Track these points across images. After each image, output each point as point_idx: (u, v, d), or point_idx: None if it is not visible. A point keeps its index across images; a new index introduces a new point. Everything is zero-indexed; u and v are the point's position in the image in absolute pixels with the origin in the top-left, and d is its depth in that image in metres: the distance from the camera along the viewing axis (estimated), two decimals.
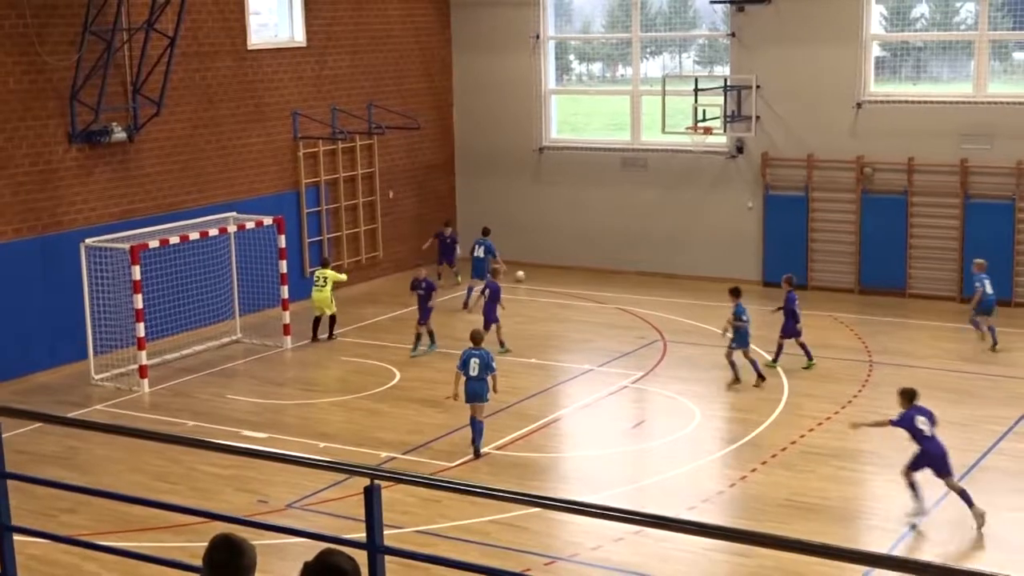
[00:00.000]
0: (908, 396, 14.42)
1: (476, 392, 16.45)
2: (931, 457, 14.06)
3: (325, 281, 21.96)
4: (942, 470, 14.06)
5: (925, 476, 14.26)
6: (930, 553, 13.36)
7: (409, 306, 24.58)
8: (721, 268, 26.10)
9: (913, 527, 14.01)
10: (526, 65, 27.82)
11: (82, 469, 16.15)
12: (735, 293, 19.58)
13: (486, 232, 24.90)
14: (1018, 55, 25.62)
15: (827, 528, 13.93)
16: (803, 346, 20.00)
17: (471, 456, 16.31)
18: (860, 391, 18.85)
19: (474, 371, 16.42)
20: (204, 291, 22.10)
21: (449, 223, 26.76)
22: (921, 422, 14.14)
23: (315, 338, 22.12)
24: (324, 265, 22.51)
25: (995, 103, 23.71)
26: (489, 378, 16.45)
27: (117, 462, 16.36)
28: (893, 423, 14.31)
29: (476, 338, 17.01)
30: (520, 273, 25.03)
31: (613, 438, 17.55)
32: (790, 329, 19.99)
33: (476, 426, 16.40)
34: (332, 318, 22.29)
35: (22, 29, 19.76)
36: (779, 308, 20.10)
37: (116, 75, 21.07)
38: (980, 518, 13.88)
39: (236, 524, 6.44)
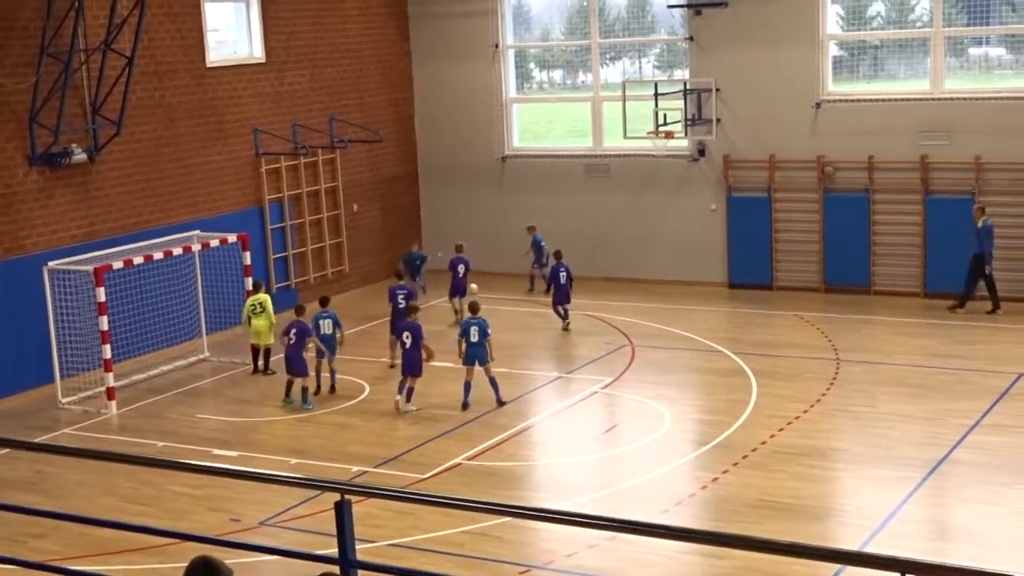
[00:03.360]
0: (470, 308, 19.58)
1: (477, 355, 18.75)
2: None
3: (262, 307, 20.98)
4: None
5: (894, 476, 14.31)
6: (901, 548, 13.44)
7: (374, 319, 24.58)
8: (686, 271, 26.19)
9: None
10: (486, 74, 27.85)
11: (51, 494, 16.03)
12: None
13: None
14: (974, 51, 25.85)
15: (799, 527, 13.99)
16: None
17: (447, 465, 16.30)
18: (828, 389, 18.95)
19: (474, 337, 18.73)
20: (170, 310, 22.00)
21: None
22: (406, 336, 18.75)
23: (256, 369, 21.30)
24: (257, 289, 21.43)
25: (952, 99, 23.90)
26: (487, 343, 18.70)
27: (87, 486, 16.26)
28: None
29: (474, 308, 19.51)
30: (472, 286, 24.92)
31: (584, 444, 17.58)
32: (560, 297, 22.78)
33: (491, 381, 18.78)
34: (268, 350, 21.14)
35: None
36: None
37: (75, 96, 20.97)
38: None
39: (209, 544, 6.41)
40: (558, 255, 23.67)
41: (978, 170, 23.55)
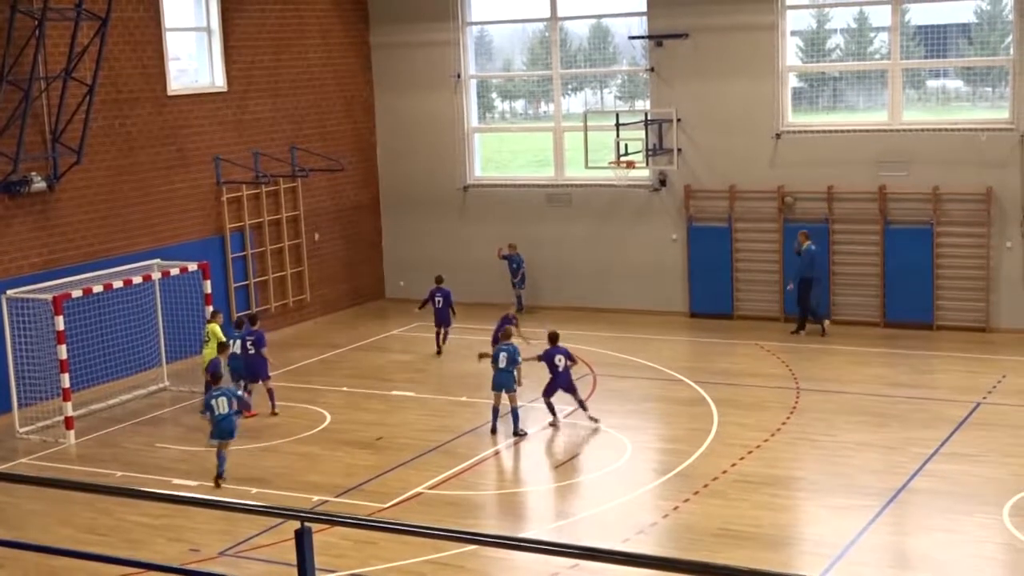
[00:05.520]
0: (552, 338, 18.93)
1: (504, 382, 18.48)
2: (559, 384, 18.64)
3: (209, 337, 20.61)
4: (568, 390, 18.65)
5: (855, 504, 14.34)
6: None
7: (336, 348, 24.54)
8: (647, 300, 26.28)
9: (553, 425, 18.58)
10: (448, 104, 27.91)
11: (8, 524, 15.85)
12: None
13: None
14: (932, 83, 26.13)
15: (760, 555, 14.02)
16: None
17: (408, 494, 16.24)
18: (789, 418, 19.03)
19: (503, 363, 18.48)
20: (130, 339, 21.86)
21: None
22: (558, 359, 18.54)
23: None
24: (212, 318, 21.00)
25: (910, 130, 24.15)
26: (515, 370, 18.46)
27: (45, 515, 16.09)
28: (539, 357, 18.74)
29: (506, 334, 19.31)
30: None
31: (546, 473, 17.57)
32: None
33: (512, 412, 18.51)
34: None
35: None
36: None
37: (34, 124, 20.86)
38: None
39: (169, 573, 6.37)
40: (439, 279, 24.04)
41: (936, 200, 23.78)
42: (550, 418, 19.04)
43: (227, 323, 22.23)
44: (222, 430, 17.04)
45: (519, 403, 18.76)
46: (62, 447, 19.25)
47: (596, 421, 18.89)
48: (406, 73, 28.18)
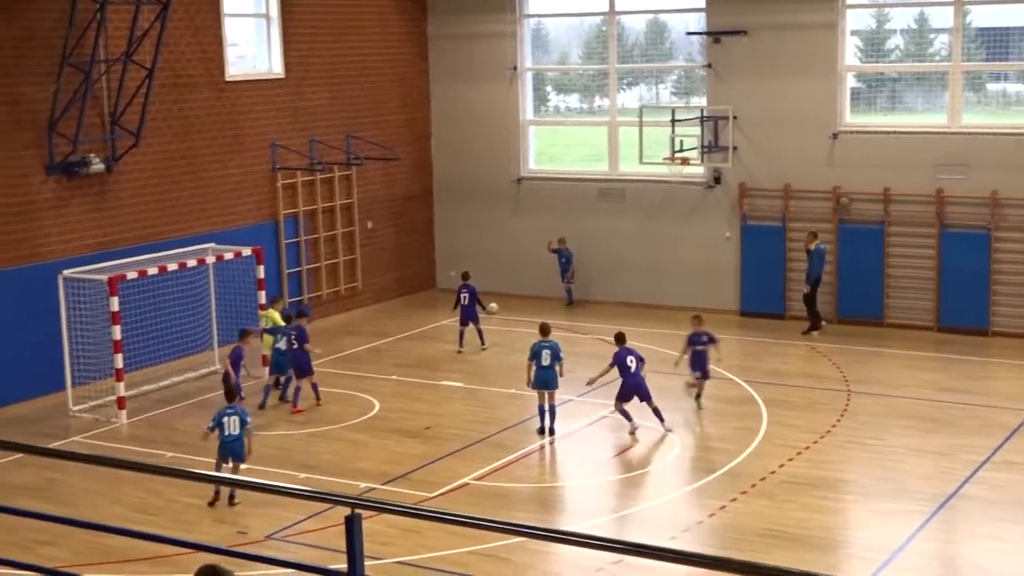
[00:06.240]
0: (619, 339, 18.62)
1: (547, 379, 18.31)
2: (632, 388, 18.16)
3: (266, 323, 21.03)
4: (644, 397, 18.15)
5: (904, 509, 14.25)
6: None
7: (386, 336, 24.64)
8: (699, 298, 26.16)
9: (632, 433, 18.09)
10: (504, 96, 27.92)
11: (60, 501, 16.05)
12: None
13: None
14: (992, 86, 25.84)
15: (807, 557, 13.93)
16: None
17: (455, 484, 16.28)
18: (839, 420, 18.90)
19: (545, 360, 18.29)
20: (183, 322, 22.03)
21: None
22: (630, 360, 18.15)
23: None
24: (272, 304, 21.46)
25: (969, 133, 23.89)
26: (557, 366, 18.25)
27: (96, 494, 16.27)
28: (610, 364, 18.31)
29: (545, 330, 18.92)
30: (493, 305, 24.97)
31: (593, 468, 17.55)
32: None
33: (550, 411, 18.32)
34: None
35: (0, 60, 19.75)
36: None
37: (94, 106, 21.06)
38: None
39: (217, 555, 6.41)
40: (465, 276, 23.85)
41: (994, 205, 23.52)
42: (627, 426, 18.43)
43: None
44: (229, 451, 15.85)
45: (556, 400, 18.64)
46: (114, 427, 19.45)
47: (670, 431, 18.39)
48: (462, 64, 28.20)
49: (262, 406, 19.92)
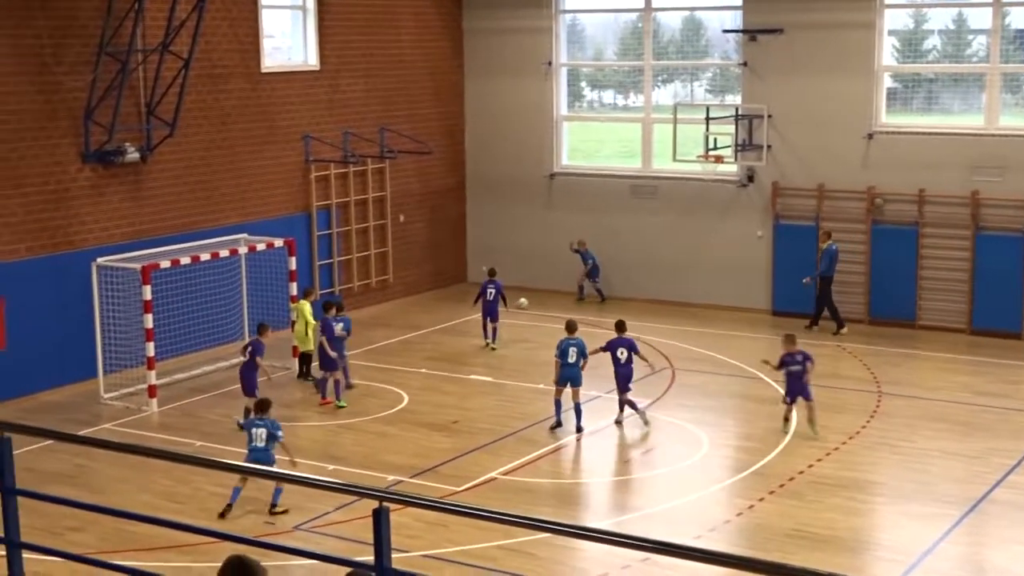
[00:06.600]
0: (619, 327, 19.01)
1: (572, 376, 18.24)
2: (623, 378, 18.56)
3: (298, 315, 21.03)
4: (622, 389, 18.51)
5: (933, 512, 14.16)
6: None
7: (416, 329, 24.68)
8: (730, 297, 26.10)
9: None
10: (538, 91, 27.90)
11: (90, 487, 16.15)
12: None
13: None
14: None
15: (835, 559, 13.88)
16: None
17: (483, 479, 16.29)
18: (869, 421, 18.81)
19: (572, 358, 18.22)
20: (214, 312, 22.13)
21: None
22: (620, 352, 18.52)
23: (300, 374, 21.39)
24: (305, 296, 21.39)
25: (1006, 135, 23.72)
26: (582, 363, 18.24)
27: (124, 481, 16.36)
28: (603, 348, 18.62)
29: (571, 327, 18.83)
30: (523, 300, 24.97)
31: (620, 465, 17.54)
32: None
33: (576, 408, 18.25)
34: (304, 356, 21.23)
35: (38, 48, 19.88)
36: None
37: (130, 96, 21.17)
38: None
39: (244, 544, 6.43)
40: (491, 272, 23.70)
41: None
42: (632, 414, 18.67)
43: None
44: (254, 461, 14.99)
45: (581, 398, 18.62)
46: (144, 415, 19.56)
47: (619, 423, 18.64)
48: (497, 59, 28.20)
49: (323, 395, 20.05)
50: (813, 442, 17.75)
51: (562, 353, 18.48)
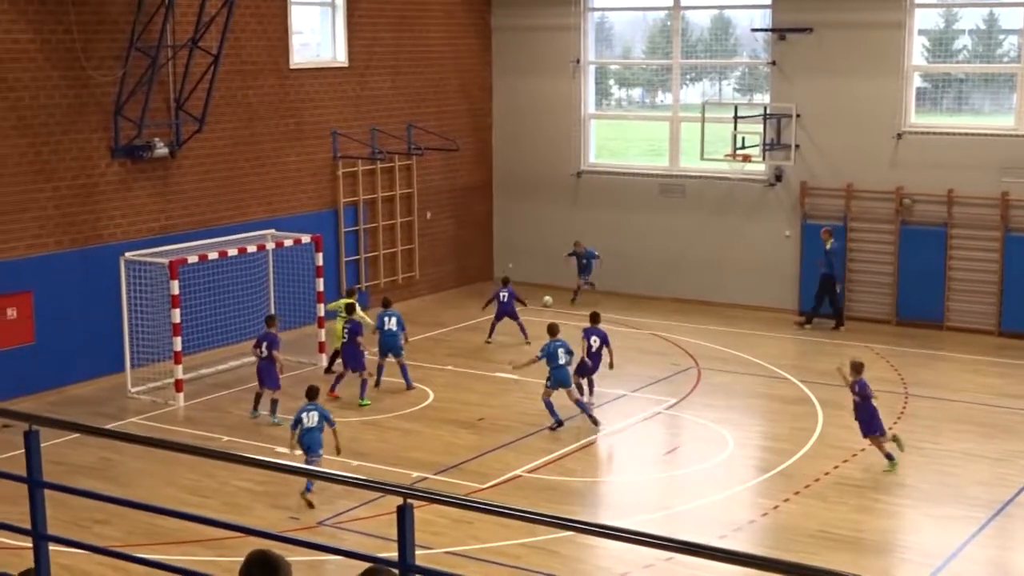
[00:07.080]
0: (592, 318, 19.72)
1: (563, 377, 18.32)
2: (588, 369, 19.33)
3: (340, 311, 21.05)
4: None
5: (959, 514, 14.09)
6: None
7: (442, 327, 24.70)
8: (757, 296, 26.03)
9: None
10: (566, 89, 27.88)
11: (116, 481, 16.24)
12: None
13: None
14: None
15: (860, 560, 13.83)
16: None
17: (507, 476, 16.30)
18: (895, 423, 18.72)
19: (562, 360, 18.32)
20: (241, 307, 22.21)
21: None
22: (594, 340, 19.29)
23: (328, 369, 21.48)
24: (349, 295, 21.76)
25: None
26: (568, 359, 18.44)
27: (151, 475, 16.45)
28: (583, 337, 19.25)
29: (553, 330, 18.93)
30: (547, 298, 24.93)
31: (646, 464, 17.52)
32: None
33: (578, 405, 18.39)
34: (335, 352, 21.33)
35: (68, 44, 19.98)
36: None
37: (160, 91, 21.27)
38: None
39: (269, 539, 6.45)
40: (505, 281, 23.95)
41: None
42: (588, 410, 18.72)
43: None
44: (309, 441, 15.87)
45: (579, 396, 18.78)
46: (171, 409, 19.65)
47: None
48: (525, 57, 28.20)
49: (377, 384, 20.34)
50: (838, 444, 17.68)
51: (551, 356, 18.45)
